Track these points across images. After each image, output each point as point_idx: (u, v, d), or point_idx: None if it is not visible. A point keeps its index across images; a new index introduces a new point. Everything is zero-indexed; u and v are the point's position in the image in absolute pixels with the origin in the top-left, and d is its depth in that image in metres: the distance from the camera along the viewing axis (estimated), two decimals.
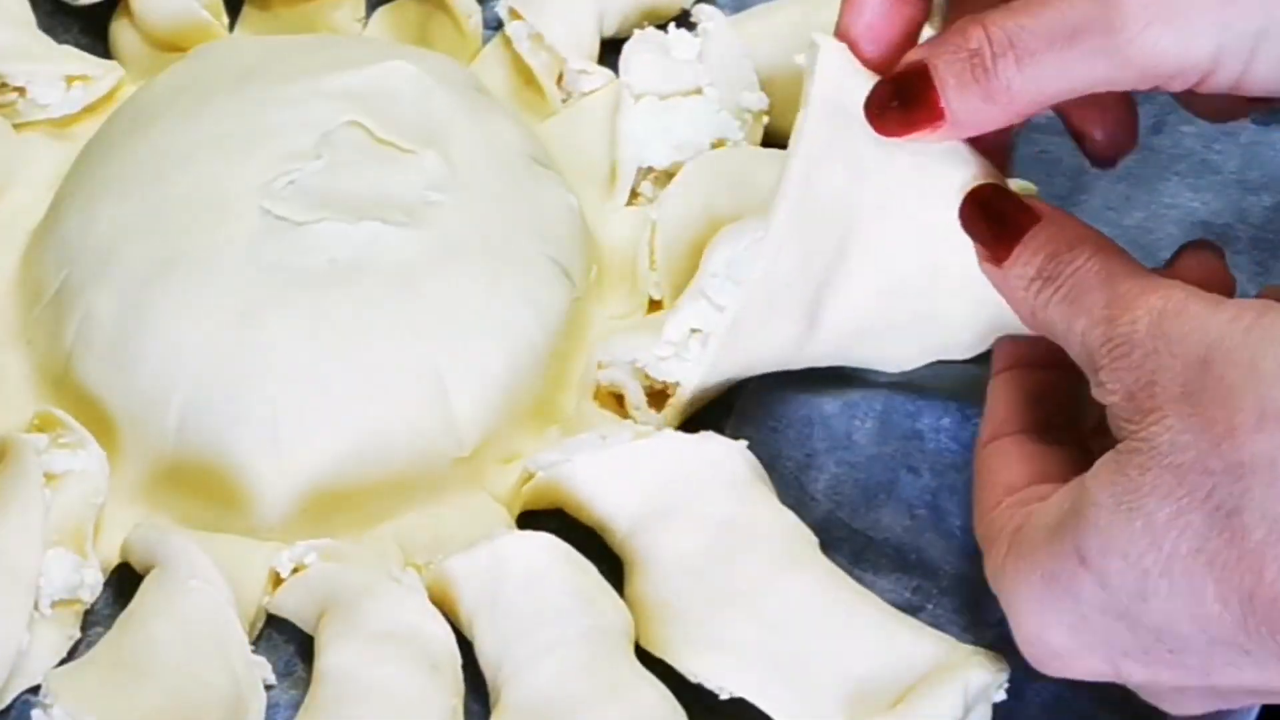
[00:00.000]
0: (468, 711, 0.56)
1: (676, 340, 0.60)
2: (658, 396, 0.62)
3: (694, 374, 0.60)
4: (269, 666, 0.57)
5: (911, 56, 0.50)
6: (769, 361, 0.59)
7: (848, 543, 0.60)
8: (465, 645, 0.57)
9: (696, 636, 0.54)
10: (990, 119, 0.49)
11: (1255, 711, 0.55)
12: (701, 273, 0.61)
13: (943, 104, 0.49)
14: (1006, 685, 0.55)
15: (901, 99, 0.49)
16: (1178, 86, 0.48)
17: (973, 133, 0.50)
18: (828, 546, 0.57)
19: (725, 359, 0.59)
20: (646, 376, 0.61)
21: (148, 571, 0.58)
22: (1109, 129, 0.55)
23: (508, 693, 0.55)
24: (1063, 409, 0.53)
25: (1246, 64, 0.47)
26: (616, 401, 0.62)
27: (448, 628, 0.56)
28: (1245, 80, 0.47)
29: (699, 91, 0.68)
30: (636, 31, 0.70)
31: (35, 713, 0.53)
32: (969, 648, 0.54)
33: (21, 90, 0.68)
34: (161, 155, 0.64)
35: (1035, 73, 0.47)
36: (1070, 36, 0.47)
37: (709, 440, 0.58)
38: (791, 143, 0.52)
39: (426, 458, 0.61)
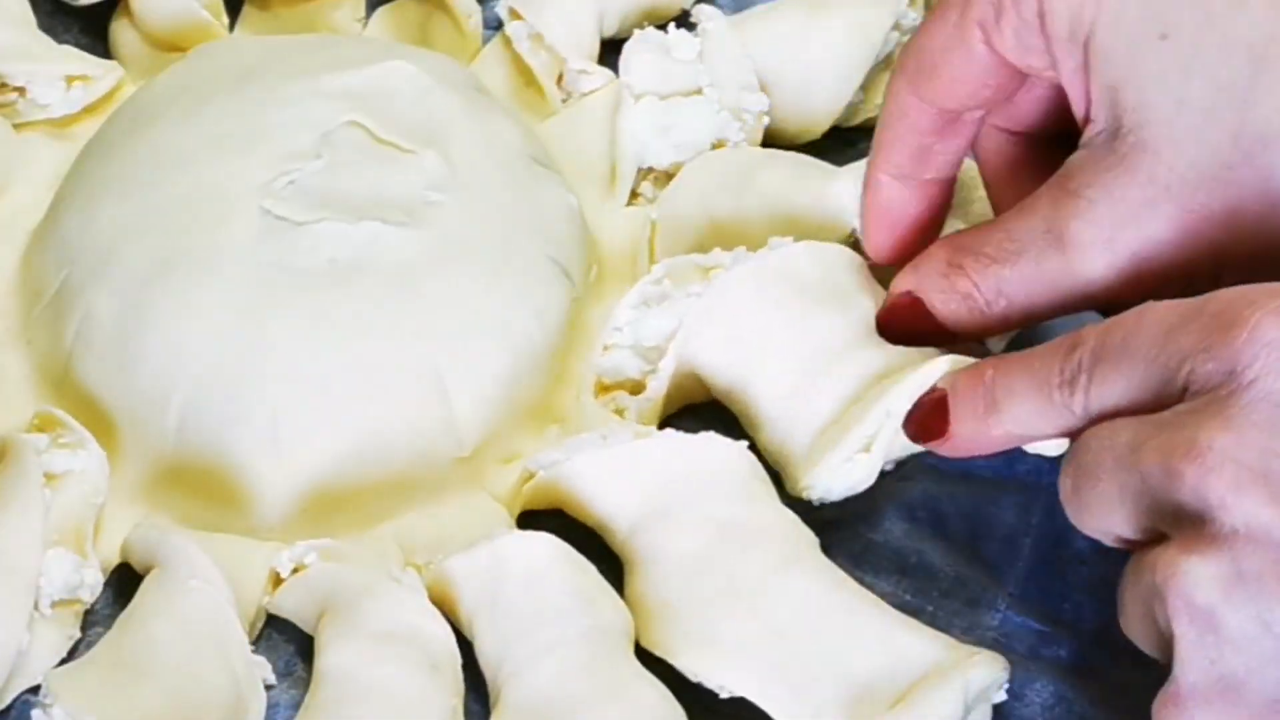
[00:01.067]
0: (468, 711, 0.56)
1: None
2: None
3: None
4: (269, 666, 0.57)
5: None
6: None
7: (848, 544, 0.60)
8: (465, 645, 0.57)
9: (697, 636, 0.54)
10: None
11: None
12: None
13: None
14: (1006, 686, 0.55)
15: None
16: None
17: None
18: (828, 548, 0.57)
19: None
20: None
21: (148, 571, 0.58)
22: None
23: (508, 693, 0.55)
24: None
25: None
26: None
27: (448, 628, 0.56)
28: None
29: (699, 91, 0.68)
30: (636, 31, 0.70)
31: (35, 713, 0.53)
32: (969, 648, 0.54)
33: (21, 90, 0.68)
34: (161, 155, 0.64)
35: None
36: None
37: (710, 440, 0.58)
38: None
39: (426, 458, 0.61)
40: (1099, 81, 0.53)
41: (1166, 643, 0.46)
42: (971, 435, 0.53)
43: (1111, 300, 0.53)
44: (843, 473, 0.57)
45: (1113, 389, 0.48)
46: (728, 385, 0.60)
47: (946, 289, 0.56)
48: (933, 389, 0.55)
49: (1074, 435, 0.50)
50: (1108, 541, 0.50)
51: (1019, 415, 0.51)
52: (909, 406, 0.55)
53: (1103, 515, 0.49)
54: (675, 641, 0.55)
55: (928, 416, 0.54)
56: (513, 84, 0.72)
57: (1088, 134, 0.54)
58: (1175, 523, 0.46)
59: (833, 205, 0.64)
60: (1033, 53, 0.54)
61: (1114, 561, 0.61)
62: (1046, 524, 0.60)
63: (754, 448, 0.59)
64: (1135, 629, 0.48)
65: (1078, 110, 0.54)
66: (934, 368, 0.55)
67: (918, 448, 0.57)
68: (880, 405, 0.56)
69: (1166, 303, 0.48)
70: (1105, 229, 0.52)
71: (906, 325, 0.58)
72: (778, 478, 0.59)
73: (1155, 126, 0.51)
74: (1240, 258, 0.52)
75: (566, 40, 0.70)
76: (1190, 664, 0.45)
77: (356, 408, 0.60)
